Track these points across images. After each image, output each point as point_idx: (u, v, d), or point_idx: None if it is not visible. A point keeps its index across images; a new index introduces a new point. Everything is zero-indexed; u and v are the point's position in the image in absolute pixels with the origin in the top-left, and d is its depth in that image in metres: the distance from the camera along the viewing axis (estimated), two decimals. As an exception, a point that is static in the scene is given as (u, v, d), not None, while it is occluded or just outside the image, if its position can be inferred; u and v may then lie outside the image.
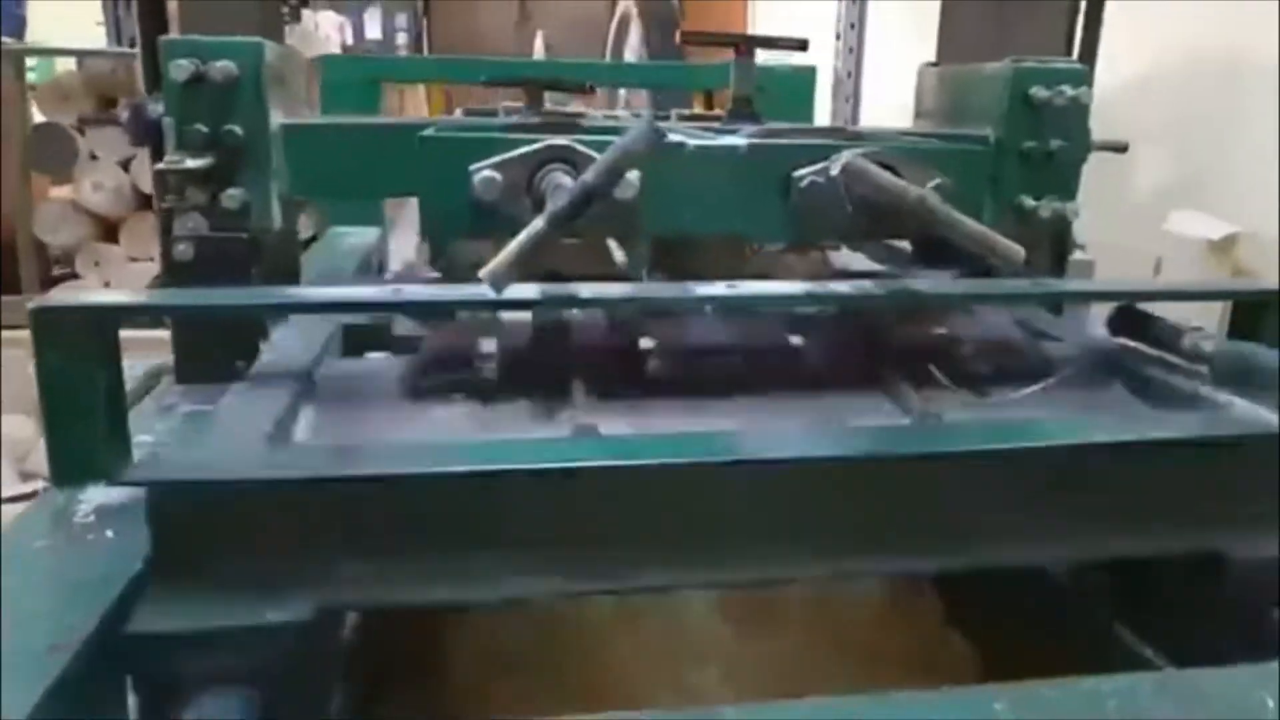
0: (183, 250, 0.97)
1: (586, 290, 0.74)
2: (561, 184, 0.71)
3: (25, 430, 2.69)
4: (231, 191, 1.03)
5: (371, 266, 1.46)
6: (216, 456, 0.62)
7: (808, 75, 1.89)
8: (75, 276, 3.56)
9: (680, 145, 0.79)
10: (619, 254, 0.98)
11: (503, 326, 0.83)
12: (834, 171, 0.78)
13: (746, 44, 1.13)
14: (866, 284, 0.79)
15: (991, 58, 1.24)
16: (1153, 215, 1.85)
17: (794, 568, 0.61)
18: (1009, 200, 1.21)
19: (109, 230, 3.62)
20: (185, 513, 0.56)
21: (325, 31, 6.16)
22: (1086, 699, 0.46)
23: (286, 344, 0.84)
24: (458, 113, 1.50)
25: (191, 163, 0.99)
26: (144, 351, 1.02)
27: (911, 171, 0.82)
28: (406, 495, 0.57)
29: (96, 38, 4.47)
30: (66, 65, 3.88)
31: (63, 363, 0.68)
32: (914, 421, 0.72)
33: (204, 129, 1.02)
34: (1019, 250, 0.74)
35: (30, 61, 3.80)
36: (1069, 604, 0.79)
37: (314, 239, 1.71)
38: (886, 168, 0.80)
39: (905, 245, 1.24)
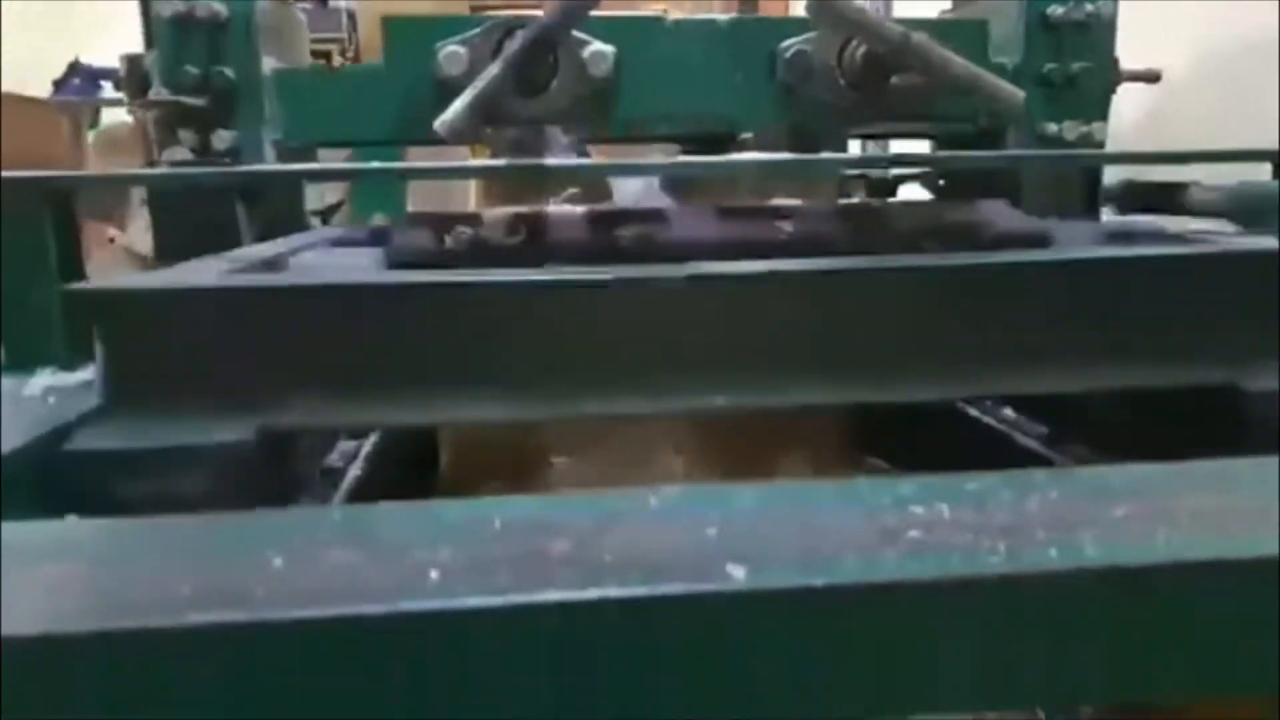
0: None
1: (553, 162, 0.70)
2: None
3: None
4: (222, 132, 1.02)
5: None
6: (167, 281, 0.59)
7: None
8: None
9: (658, 19, 0.76)
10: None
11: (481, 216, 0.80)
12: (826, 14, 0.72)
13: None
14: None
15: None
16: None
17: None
18: (1031, 128, 1.15)
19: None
20: (134, 326, 0.54)
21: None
22: (1012, 487, 0.39)
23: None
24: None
25: (183, 98, 0.98)
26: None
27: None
28: (353, 311, 0.53)
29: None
30: (118, 114, 4.01)
31: (15, 235, 0.66)
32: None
33: (194, 70, 1.02)
34: (1018, 92, 0.68)
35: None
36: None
37: (338, 206, 1.70)
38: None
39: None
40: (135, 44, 1.24)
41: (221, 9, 1.01)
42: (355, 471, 0.78)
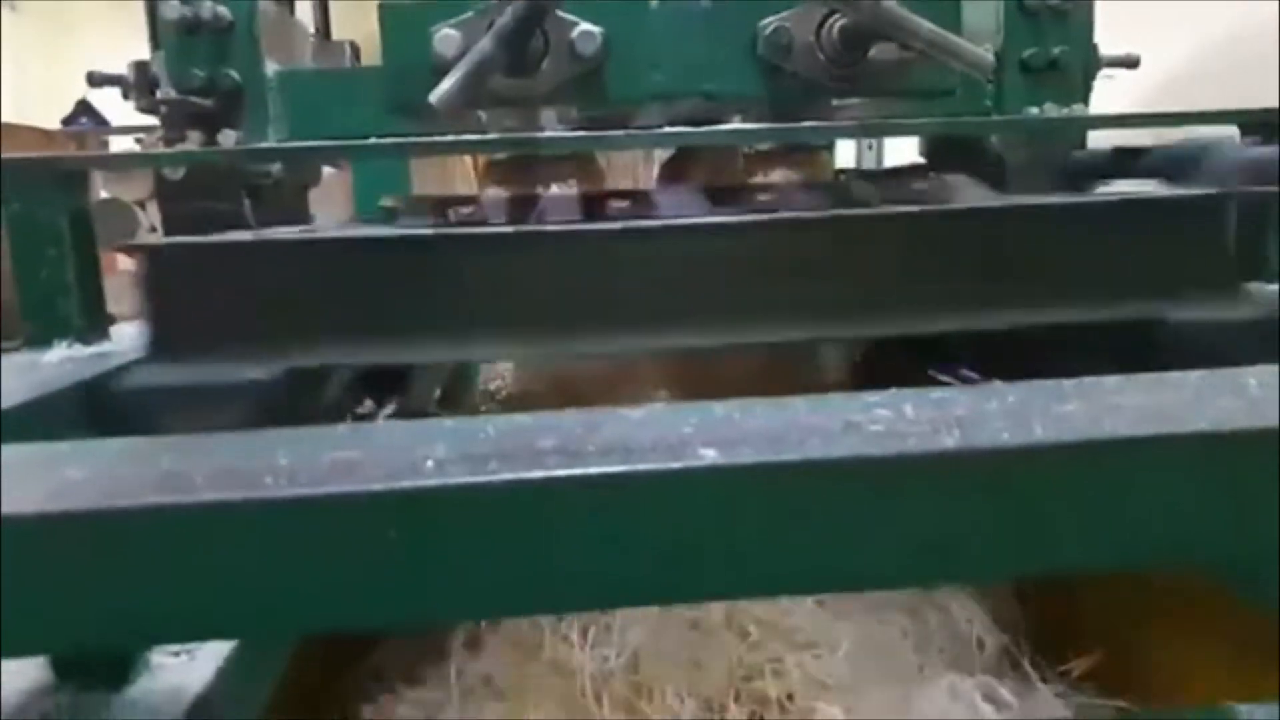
0: (173, 173, 0.98)
1: (549, 134, 0.74)
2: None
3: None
4: (227, 131, 1.05)
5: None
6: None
7: None
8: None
9: (644, 3, 0.79)
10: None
11: (477, 197, 0.83)
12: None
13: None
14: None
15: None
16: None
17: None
18: (1014, 114, 1.18)
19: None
20: (179, 275, 0.64)
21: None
22: (972, 395, 0.42)
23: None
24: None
25: (190, 98, 1.01)
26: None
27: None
28: (374, 260, 0.61)
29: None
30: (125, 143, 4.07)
31: (28, 213, 0.69)
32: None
33: (200, 73, 1.05)
34: (988, 57, 0.71)
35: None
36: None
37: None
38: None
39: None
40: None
41: (225, 12, 1.04)
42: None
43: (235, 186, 1.00)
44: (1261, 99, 0.94)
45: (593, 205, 0.83)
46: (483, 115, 0.87)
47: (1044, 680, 0.79)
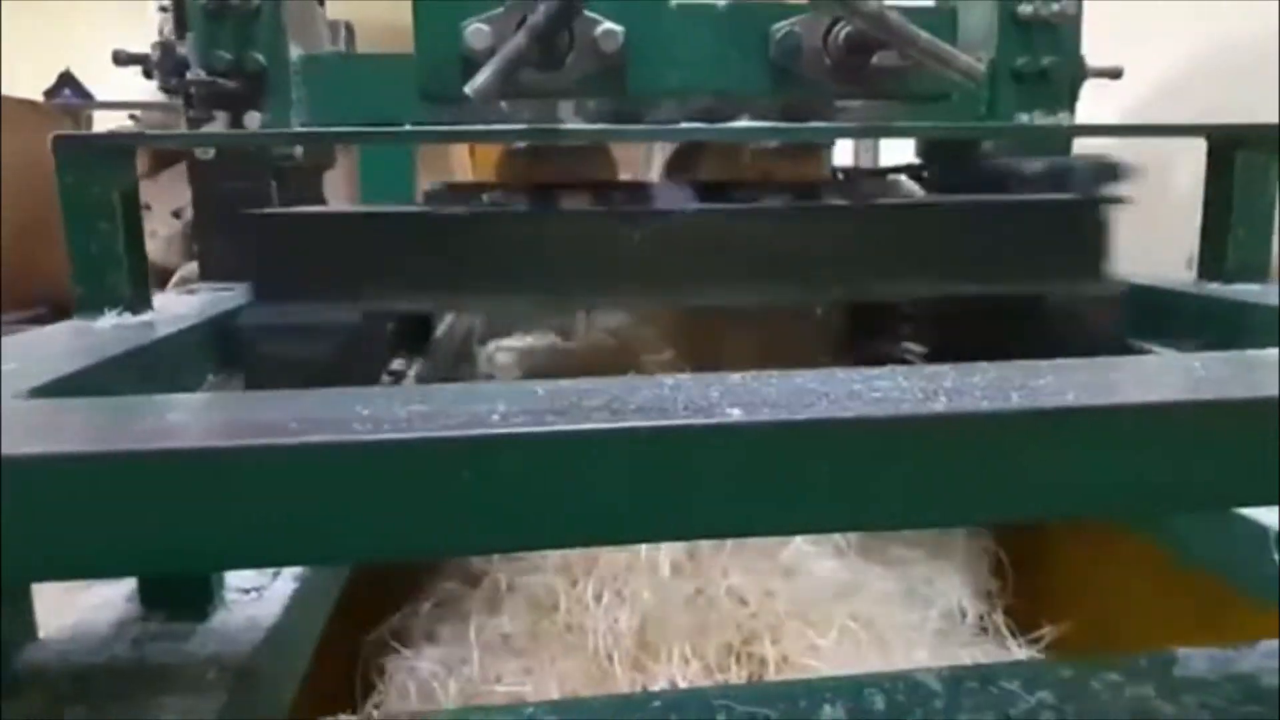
0: (205, 153, 1.03)
1: (570, 125, 0.79)
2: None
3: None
4: (252, 113, 1.10)
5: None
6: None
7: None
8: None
9: (663, 2, 0.84)
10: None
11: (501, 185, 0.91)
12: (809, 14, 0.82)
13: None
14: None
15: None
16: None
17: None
18: (1006, 121, 1.24)
19: (163, 279, 3.76)
20: (280, 237, 0.82)
21: None
22: (960, 371, 0.48)
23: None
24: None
25: (212, 79, 1.06)
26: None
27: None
28: (429, 232, 0.80)
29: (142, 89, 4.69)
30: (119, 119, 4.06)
31: (81, 186, 0.73)
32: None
33: (227, 55, 1.09)
34: (979, 66, 0.77)
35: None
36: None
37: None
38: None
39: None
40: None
41: (254, -2, 1.08)
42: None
43: (264, 167, 1.05)
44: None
45: (602, 195, 0.91)
46: (504, 105, 0.92)
47: (1019, 646, 0.85)
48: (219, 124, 1.06)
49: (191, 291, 0.97)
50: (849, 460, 0.40)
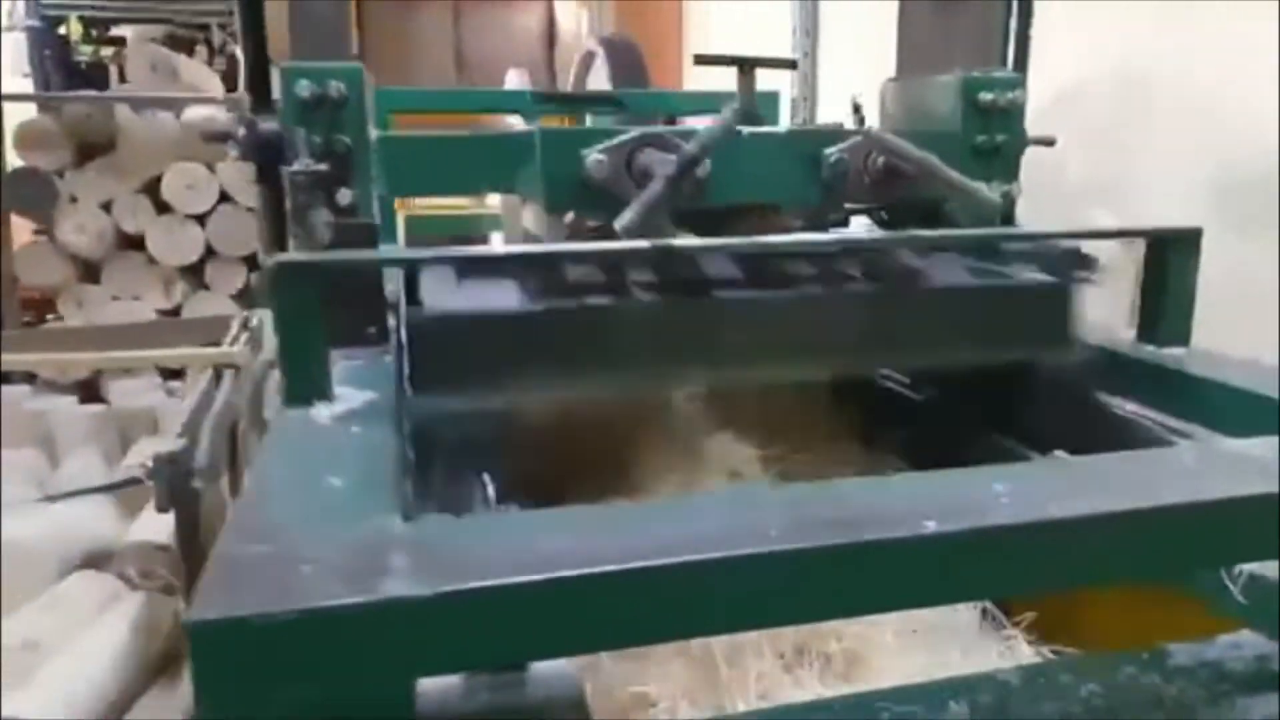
0: (322, 233, 1.17)
1: (680, 243, 0.99)
2: (665, 159, 0.95)
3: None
4: (344, 190, 1.24)
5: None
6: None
7: (773, 98, 2.17)
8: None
9: (739, 132, 1.04)
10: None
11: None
12: (861, 142, 1.04)
13: (748, 64, 1.39)
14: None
15: (940, 71, 1.51)
16: (1078, 212, 2.14)
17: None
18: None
19: (90, 271, 3.73)
20: (436, 334, 0.98)
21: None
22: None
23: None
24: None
25: (319, 166, 1.20)
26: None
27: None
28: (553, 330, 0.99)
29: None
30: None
31: (294, 302, 0.89)
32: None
33: (319, 140, 1.24)
34: (995, 199, 1.00)
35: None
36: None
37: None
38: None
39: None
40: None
41: (343, 88, 1.23)
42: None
43: (369, 243, 1.20)
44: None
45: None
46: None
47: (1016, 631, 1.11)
48: (326, 210, 1.21)
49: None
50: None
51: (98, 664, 1.69)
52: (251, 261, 3.94)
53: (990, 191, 1.00)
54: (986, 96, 1.45)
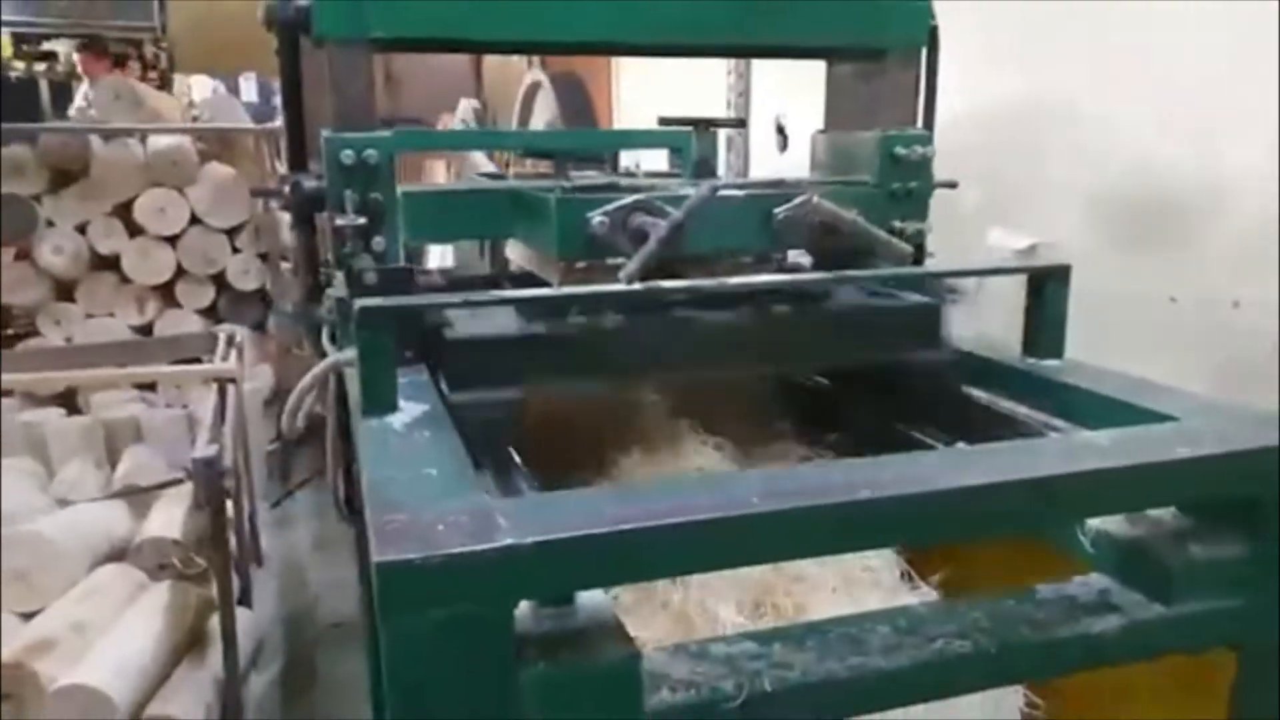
0: (370, 278, 1.43)
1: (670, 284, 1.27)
2: (656, 222, 1.23)
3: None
4: (378, 239, 1.50)
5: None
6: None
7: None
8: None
9: (713, 191, 1.32)
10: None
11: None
12: (803, 204, 1.33)
13: (704, 124, 1.69)
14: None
15: (864, 127, 1.80)
16: (977, 230, 2.45)
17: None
18: (884, 225, 1.78)
19: (66, 290, 3.88)
20: (458, 354, 1.31)
21: (200, 94, 6.46)
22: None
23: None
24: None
25: (360, 220, 1.46)
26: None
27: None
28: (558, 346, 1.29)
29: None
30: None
31: (373, 337, 1.15)
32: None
33: (356, 196, 1.49)
34: (908, 250, 1.30)
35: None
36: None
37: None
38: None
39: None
40: None
41: (376, 155, 1.48)
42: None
43: (405, 286, 1.45)
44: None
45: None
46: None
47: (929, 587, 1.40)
48: (369, 256, 1.46)
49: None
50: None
51: (139, 643, 1.92)
52: (219, 280, 4.13)
53: (901, 245, 1.30)
54: (901, 150, 1.75)
